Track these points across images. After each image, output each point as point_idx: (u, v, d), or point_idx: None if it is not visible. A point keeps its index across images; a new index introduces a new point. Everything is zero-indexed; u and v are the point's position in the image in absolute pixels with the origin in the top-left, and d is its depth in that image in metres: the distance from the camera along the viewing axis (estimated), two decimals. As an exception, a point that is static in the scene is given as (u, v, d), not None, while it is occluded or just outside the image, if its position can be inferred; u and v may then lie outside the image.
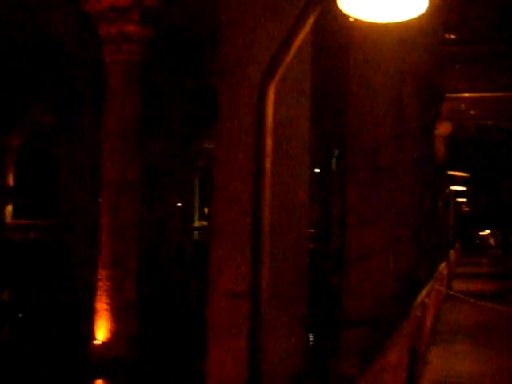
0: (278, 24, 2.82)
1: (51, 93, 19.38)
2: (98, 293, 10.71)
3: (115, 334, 10.52)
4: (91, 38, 12.16)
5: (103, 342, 10.55)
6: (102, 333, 10.59)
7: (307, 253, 3.60)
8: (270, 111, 1.78)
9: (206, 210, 32.92)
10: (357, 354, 5.40)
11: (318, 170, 27.11)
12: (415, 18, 2.19)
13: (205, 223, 30.26)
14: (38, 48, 17.48)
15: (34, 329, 14.21)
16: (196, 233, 26.91)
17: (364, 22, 2.27)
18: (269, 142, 1.76)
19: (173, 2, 11.89)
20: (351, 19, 2.16)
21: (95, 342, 10.61)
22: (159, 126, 19.82)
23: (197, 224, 29.62)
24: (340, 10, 2.06)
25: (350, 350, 5.97)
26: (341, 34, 9.49)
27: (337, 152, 27.30)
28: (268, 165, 1.76)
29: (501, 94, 18.76)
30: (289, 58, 1.83)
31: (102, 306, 10.67)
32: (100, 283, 10.69)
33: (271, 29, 2.87)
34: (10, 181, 26.34)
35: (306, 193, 3.29)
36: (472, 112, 21.53)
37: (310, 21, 1.86)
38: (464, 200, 33.71)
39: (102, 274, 10.66)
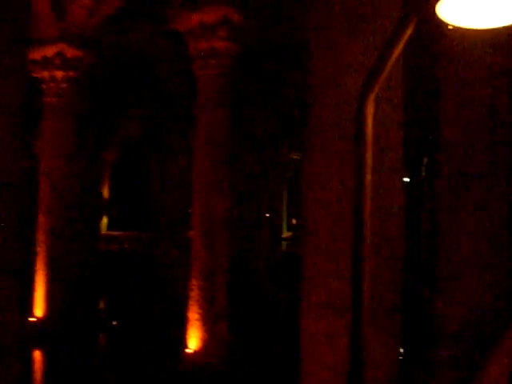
0: (372, 36, 2.81)
1: (143, 108, 20.12)
2: (190, 303, 10.98)
3: (207, 343, 10.73)
4: (182, 54, 12.56)
5: (195, 351, 10.78)
6: (193, 342, 10.83)
7: (401, 266, 3.54)
8: (369, 124, 1.79)
9: (293, 220, 32.93)
10: (451, 368, 5.23)
11: (407, 179, 26.47)
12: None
13: (292, 233, 30.27)
14: (130, 66, 18.22)
15: (128, 337, 14.70)
16: (284, 243, 26.98)
17: (457, 28, 2.22)
18: (369, 154, 1.76)
19: (261, 18, 12.09)
20: (450, 27, 2.11)
21: (187, 350, 10.86)
22: (248, 137, 20.08)
23: (285, 234, 29.68)
24: (437, 19, 2.03)
25: (444, 363, 5.79)
26: (430, 41, 9.29)
27: (425, 160, 26.58)
28: (368, 177, 1.76)
29: None
30: (387, 70, 1.83)
31: (193, 315, 10.92)
32: (192, 293, 10.95)
33: (365, 41, 2.86)
34: (106, 194, 27.51)
35: (400, 205, 3.25)
36: None
37: (408, 32, 1.85)
38: None
39: (194, 284, 10.91)
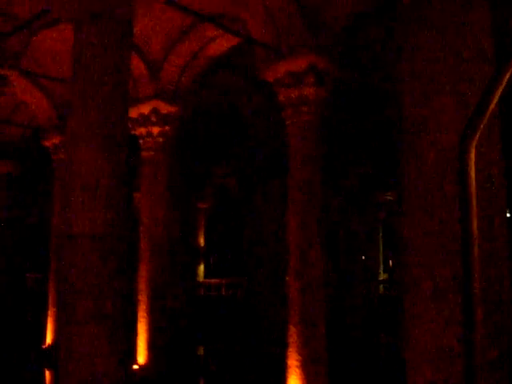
0: (466, 85, 2.81)
1: (235, 158, 20.62)
2: (289, 349, 10.92)
3: (308, 390, 10.60)
4: (271, 102, 12.86)
5: (296, 399, 10.66)
6: (294, 389, 10.73)
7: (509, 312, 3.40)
8: (472, 173, 1.78)
9: (390, 262, 32.21)
10: None
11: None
12: None
13: (389, 276, 29.58)
14: (222, 117, 18.82)
15: (227, 383, 14.77)
16: (381, 286, 26.39)
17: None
18: (473, 203, 1.74)
19: (348, 63, 12.22)
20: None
21: (288, 398, 10.76)
22: (340, 178, 20.05)
23: (382, 277, 29.05)
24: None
25: None
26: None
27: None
28: (475, 226, 1.74)
29: None
30: (487, 117, 1.83)
31: (292, 362, 10.83)
32: (290, 339, 10.90)
33: (460, 89, 2.86)
34: (201, 242, 28.15)
35: (504, 248, 3.16)
36: None
37: (507, 76, 1.84)
38: None
39: (292, 330, 10.87)
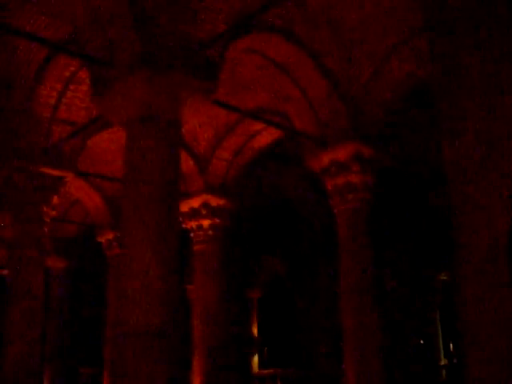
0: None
1: (285, 245, 20.66)
2: None
3: None
4: (318, 190, 13.02)
5: None
6: None
7: None
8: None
9: (451, 345, 30.86)
10: None
11: None
12: None
13: (450, 361, 28.27)
14: (269, 205, 19.04)
15: None
16: (443, 372, 25.19)
17: None
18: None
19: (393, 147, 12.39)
20: None
21: None
22: (392, 262, 19.75)
23: (443, 362, 27.81)
24: None
25: None
26: None
27: None
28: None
29: None
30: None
31: None
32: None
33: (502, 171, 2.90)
34: (255, 332, 27.71)
35: None
36: None
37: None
38: None
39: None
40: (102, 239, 18.21)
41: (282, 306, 28.61)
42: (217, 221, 14.29)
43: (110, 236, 17.82)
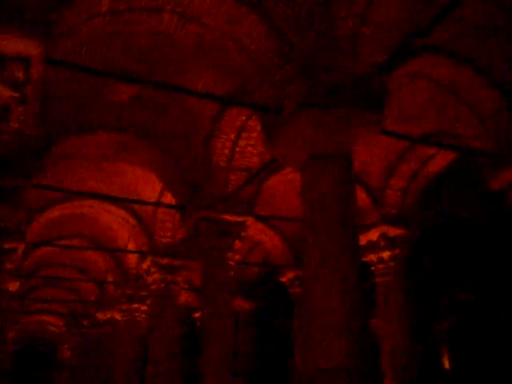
0: None
1: (473, 272, 19.54)
2: None
3: None
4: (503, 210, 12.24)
5: None
6: None
7: None
8: None
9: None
10: None
11: None
12: None
13: None
14: (449, 229, 18.21)
15: None
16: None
17: None
18: None
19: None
20: None
21: None
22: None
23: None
24: None
25: None
26: None
27: None
28: None
29: None
30: None
31: None
32: None
33: None
34: (446, 364, 26.31)
35: None
36: None
37: None
38: None
39: None
40: (283, 279, 18.62)
41: (477, 335, 26.91)
42: (396, 251, 14.01)
43: (292, 275, 18.17)
